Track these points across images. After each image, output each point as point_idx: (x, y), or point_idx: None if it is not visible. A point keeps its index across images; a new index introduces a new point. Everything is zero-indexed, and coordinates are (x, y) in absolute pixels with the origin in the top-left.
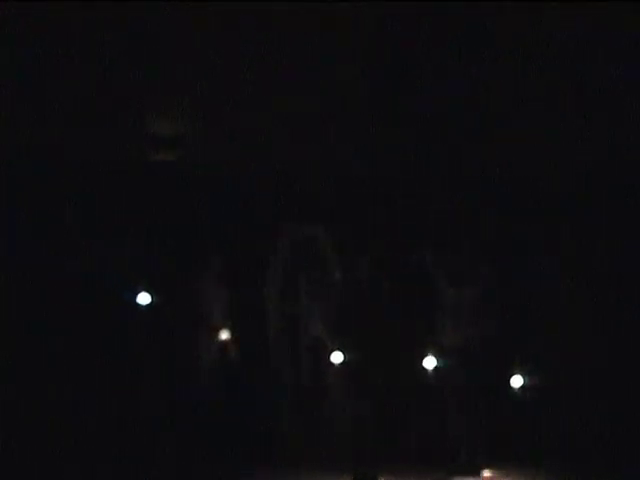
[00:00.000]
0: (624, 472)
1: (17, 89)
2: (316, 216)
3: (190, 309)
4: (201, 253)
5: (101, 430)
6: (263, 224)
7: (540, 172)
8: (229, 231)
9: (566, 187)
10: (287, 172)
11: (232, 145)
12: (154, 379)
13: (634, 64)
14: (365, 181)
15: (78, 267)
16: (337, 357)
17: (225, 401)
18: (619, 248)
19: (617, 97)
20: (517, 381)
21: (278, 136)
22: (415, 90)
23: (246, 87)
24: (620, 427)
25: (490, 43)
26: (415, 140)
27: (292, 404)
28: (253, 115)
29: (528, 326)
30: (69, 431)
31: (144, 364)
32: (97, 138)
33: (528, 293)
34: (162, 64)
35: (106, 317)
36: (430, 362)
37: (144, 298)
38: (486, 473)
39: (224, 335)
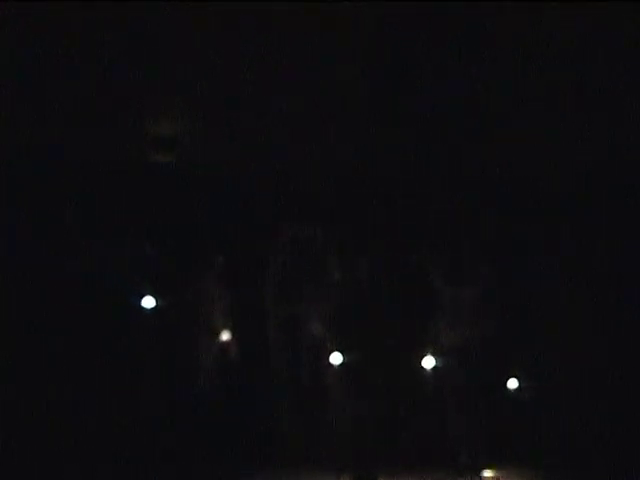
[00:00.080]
0: (624, 473)
1: (17, 89)
2: (316, 216)
3: (190, 309)
4: (201, 253)
5: (101, 430)
6: (263, 224)
7: (540, 172)
8: (229, 231)
9: (566, 187)
10: (287, 172)
11: (232, 145)
12: (154, 379)
13: (634, 64)
14: (365, 181)
15: (77, 267)
16: (337, 357)
17: (225, 401)
18: (619, 248)
19: (617, 97)
20: (517, 381)
21: (278, 136)
22: (415, 90)
23: (246, 87)
24: (620, 428)
25: (490, 43)
26: (415, 140)
27: (292, 404)
28: (253, 115)
29: (528, 326)
30: (69, 431)
31: (144, 364)
32: (97, 138)
33: (528, 293)
34: (162, 64)
35: (106, 317)
36: (430, 362)
37: (148, 301)
38: (486, 473)
39: (224, 335)
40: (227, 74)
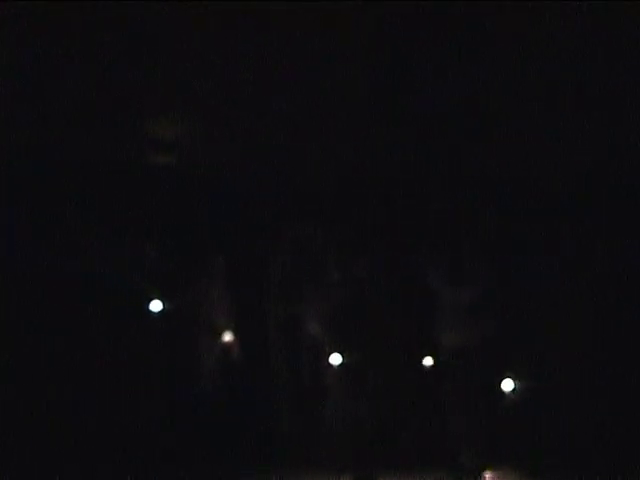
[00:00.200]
0: (624, 473)
1: (17, 89)
2: (316, 216)
3: (190, 310)
4: (200, 253)
5: (100, 430)
6: (263, 224)
7: (540, 172)
8: (229, 231)
9: (566, 187)
10: (287, 172)
11: (232, 145)
12: (153, 379)
13: (634, 64)
14: (365, 181)
15: (77, 267)
16: (337, 358)
17: (225, 401)
18: (619, 248)
19: (617, 97)
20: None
21: (278, 136)
22: (415, 90)
23: (246, 87)
24: (621, 428)
25: (490, 43)
26: (415, 140)
27: (292, 404)
28: (253, 115)
29: (528, 326)
30: (68, 431)
31: (143, 364)
32: (97, 138)
33: (528, 293)
34: (162, 64)
35: (106, 317)
36: (429, 362)
37: (156, 304)
38: (487, 474)
39: (224, 335)
40: (227, 74)
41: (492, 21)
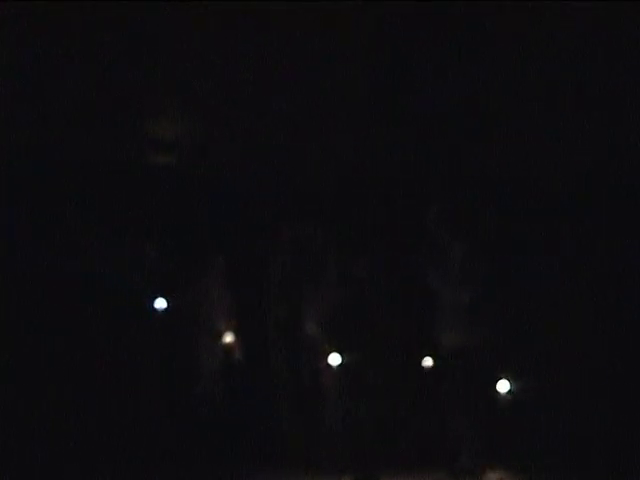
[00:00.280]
0: (624, 474)
1: (17, 89)
2: (316, 216)
3: (190, 310)
4: (200, 253)
5: (100, 430)
6: (263, 224)
7: (540, 172)
8: (229, 231)
9: (566, 187)
10: (287, 172)
11: (232, 145)
12: (153, 379)
13: (634, 64)
14: (365, 181)
15: (77, 268)
16: (337, 358)
17: (225, 401)
18: (619, 248)
19: (617, 97)
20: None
21: (278, 136)
22: (415, 90)
23: (246, 87)
24: (621, 429)
25: (490, 43)
26: (415, 140)
27: (292, 404)
28: (253, 115)
29: (528, 326)
30: (68, 431)
31: (144, 364)
32: (97, 139)
33: (527, 293)
34: (162, 64)
35: (105, 318)
36: (429, 362)
37: (160, 302)
38: (487, 474)
39: (224, 336)
40: (227, 74)
41: (492, 21)
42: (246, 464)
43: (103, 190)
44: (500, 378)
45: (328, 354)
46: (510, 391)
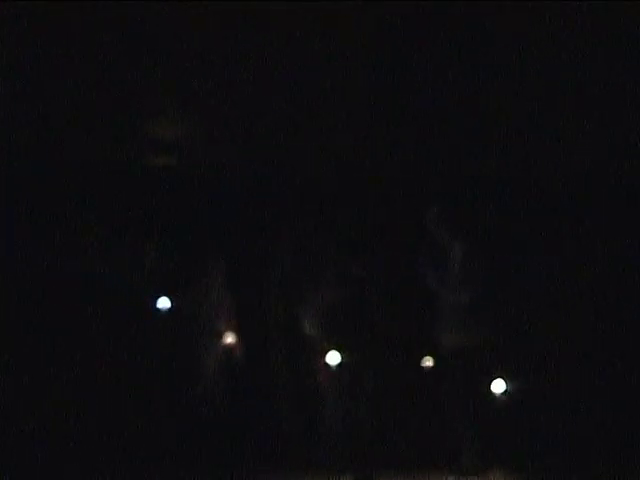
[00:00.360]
0: (624, 474)
1: (17, 89)
2: (316, 216)
3: (190, 310)
4: (201, 254)
5: (101, 430)
6: (263, 224)
7: (540, 172)
8: (229, 231)
9: (566, 187)
10: (287, 172)
11: (232, 145)
12: (154, 379)
13: (634, 64)
14: (365, 181)
15: (77, 268)
16: (337, 358)
17: (225, 402)
18: (619, 248)
19: (617, 97)
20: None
21: (278, 136)
22: (415, 89)
23: (246, 87)
24: (621, 429)
25: (490, 43)
26: (415, 139)
27: (292, 404)
28: (253, 115)
29: (527, 326)
30: (69, 431)
31: (144, 364)
32: (97, 139)
33: (528, 293)
34: (162, 64)
35: (105, 318)
36: (429, 362)
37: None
38: (487, 474)
39: (224, 336)
40: (227, 74)
41: (492, 21)
42: (246, 464)
43: (103, 190)
44: (503, 378)
45: (329, 354)
46: (505, 391)
